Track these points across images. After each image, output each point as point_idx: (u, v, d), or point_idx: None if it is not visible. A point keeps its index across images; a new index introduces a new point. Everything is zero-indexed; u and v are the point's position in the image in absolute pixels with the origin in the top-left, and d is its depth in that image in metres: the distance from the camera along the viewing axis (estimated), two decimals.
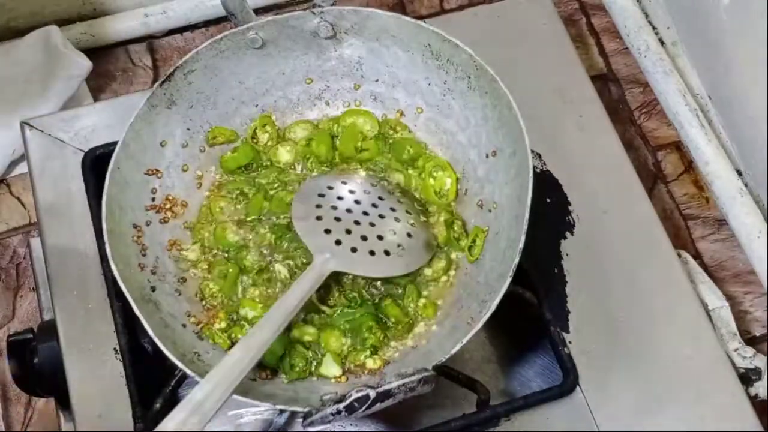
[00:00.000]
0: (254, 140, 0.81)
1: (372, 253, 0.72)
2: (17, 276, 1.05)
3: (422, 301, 0.74)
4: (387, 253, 0.73)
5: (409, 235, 0.75)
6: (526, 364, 0.83)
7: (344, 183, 0.77)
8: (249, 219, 0.77)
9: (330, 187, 0.77)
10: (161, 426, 0.59)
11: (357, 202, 0.76)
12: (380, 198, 0.77)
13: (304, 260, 0.74)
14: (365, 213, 0.75)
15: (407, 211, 0.76)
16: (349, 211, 0.75)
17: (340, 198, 0.76)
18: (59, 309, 0.78)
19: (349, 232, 0.73)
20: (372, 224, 0.74)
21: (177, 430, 0.59)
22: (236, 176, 0.80)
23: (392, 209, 0.76)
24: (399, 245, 0.74)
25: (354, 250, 0.72)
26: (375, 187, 0.78)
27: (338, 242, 0.72)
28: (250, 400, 0.64)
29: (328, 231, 0.73)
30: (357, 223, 0.74)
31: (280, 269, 0.75)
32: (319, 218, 0.74)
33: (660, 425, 0.75)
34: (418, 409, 0.79)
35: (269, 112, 0.82)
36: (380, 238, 0.73)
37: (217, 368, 0.63)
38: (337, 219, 0.74)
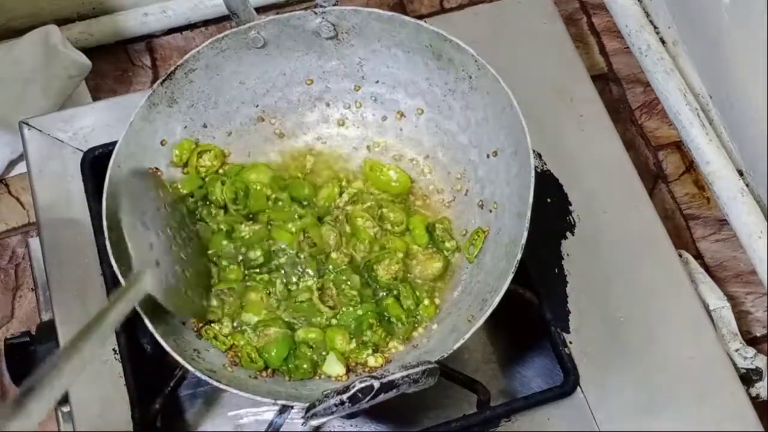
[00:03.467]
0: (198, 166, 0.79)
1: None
2: (16, 276, 1.05)
3: (426, 301, 0.74)
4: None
5: None
6: (526, 364, 0.83)
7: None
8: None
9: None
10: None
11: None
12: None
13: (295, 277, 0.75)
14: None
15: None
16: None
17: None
18: (58, 309, 0.78)
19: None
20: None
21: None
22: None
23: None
24: None
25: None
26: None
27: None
28: (250, 396, 0.64)
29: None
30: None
31: (278, 284, 0.75)
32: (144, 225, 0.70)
33: (660, 425, 0.75)
34: (418, 410, 0.79)
35: (195, 138, 0.79)
36: None
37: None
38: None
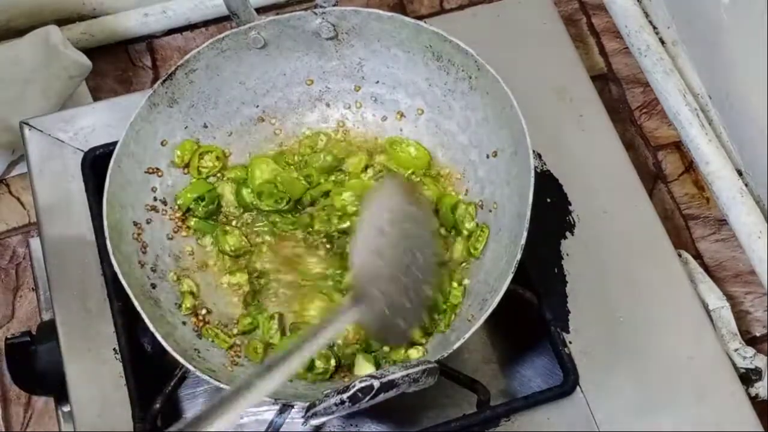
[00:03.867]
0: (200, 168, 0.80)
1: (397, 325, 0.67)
2: (17, 276, 1.05)
3: (454, 283, 0.74)
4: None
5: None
6: (526, 364, 0.83)
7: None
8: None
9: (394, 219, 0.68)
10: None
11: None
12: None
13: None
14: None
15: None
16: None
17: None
18: (59, 309, 0.78)
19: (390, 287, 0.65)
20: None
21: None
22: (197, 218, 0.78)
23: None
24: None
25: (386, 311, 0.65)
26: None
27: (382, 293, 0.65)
28: None
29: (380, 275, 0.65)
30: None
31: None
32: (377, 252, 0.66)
33: (660, 425, 0.75)
34: (418, 410, 0.79)
35: (196, 139, 0.79)
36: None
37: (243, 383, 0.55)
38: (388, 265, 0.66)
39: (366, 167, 0.80)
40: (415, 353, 0.72)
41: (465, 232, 0.76)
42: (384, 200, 0.67)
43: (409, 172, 0.80)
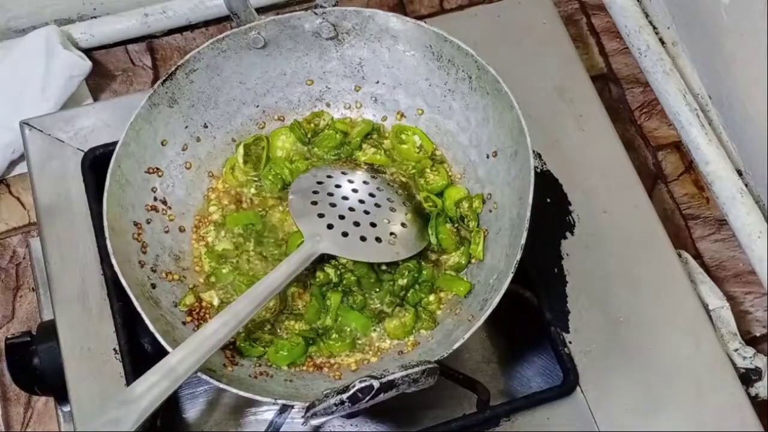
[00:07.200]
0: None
1: (363, 238, 0.73)
2: (17, 276, 1.05)
3: (431, 296, 0.75)
4: (378, 239, 0.73)
5: (403, 224, 0.75)
6: (526, 364, 0.83)
7: (344, 173, 0.78)
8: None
9: (329, 176, 0.77)
10: (134, 385, 0.61)
11: (354, 191, 0.76)
12: (378, 189, 0.77)
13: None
14: (361, 201, 0.76)
15: (404, 203, 0.77)
16: (345, 198, 0.76)
17: (338, 186, 0.77)
18: (59, 309, 0.78)
19: (342, 217, 0.74)
20: (366, 212, 0.75)
21: (148, 392, 0.61)
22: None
23: (389, 200, 0.76)
24: (392, 233, 0.74)
25: (345, 234, 0.73)
26: (375, 178, 0.78)
27: (330, 226, 0.73)
28: (250, 396, 0.64)
29: (321, 215, 0.74)
30: (351, 209, 0.75)
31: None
32: (314, 203, 0.75)
33: (660, 425, 0.75)
34: (418, 409, 0.80)
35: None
36: (373, 225, 0.74)
37: (194, 336, 0.64)
38: (332, 205, 0.75)
39: (367, 135, 0.81)
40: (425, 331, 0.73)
41: (466, 234, 0.76)
42: (304, 182, 0.77)
43: (412, 164, 0.80)
